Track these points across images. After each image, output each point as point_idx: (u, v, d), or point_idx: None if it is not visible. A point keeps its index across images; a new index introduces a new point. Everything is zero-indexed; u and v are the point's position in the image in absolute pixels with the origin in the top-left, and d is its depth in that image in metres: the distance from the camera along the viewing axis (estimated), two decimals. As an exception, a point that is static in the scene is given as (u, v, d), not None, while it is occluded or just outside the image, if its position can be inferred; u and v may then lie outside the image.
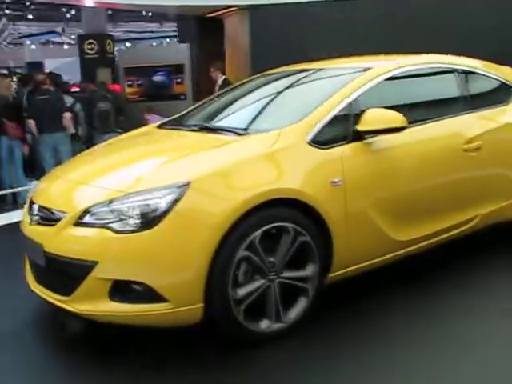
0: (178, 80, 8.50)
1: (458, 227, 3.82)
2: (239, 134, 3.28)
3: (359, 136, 3.24)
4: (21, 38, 27.84)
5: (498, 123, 4.04)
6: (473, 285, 3.68)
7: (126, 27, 27.64)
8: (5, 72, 8.22)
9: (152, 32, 28.67)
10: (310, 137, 3.10)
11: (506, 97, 4.27)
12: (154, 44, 28.63)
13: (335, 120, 3.24)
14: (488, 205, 3.98)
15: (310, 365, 2.78)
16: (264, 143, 3.08)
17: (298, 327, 3.00)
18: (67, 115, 7.18)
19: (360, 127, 3.21)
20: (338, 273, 3.19)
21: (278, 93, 3.87)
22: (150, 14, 23.67)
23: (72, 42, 26.16)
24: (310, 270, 3.02)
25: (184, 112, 4.26)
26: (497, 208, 4.03)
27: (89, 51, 15.21)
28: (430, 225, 3.62)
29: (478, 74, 4.17)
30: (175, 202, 2.70)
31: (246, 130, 3.35)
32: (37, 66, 20.96)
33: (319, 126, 3.15)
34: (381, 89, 3.52)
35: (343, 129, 3.26)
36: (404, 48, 4.71)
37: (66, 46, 27.80)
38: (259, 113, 3.63)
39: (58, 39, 28.53)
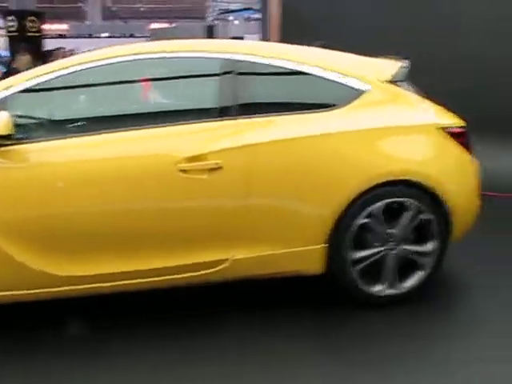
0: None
1: (187, 271, 2.89)
2: None
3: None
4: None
5: (275, 136, 2.93)
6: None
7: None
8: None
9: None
10: None
11: (335, 99, 3.10)
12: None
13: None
14: (249, 248, 2.95)
15: None
16: None
17: None
18: None
19: (-28, 130, 2.60)
20: None
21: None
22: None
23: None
24: None
25: None
26: (264, 255, 2.96)
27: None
28: (117, 263, 2.80)
29: (276, 68, 3.06)
30: None
31: None
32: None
33: None
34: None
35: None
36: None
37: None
38: None
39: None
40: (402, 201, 3.05)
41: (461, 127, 3.25)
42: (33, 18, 20.64)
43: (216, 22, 32.17)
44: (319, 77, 3.09)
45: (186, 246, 2.88)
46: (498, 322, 3.08)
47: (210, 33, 8.41)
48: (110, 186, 2.78)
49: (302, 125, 2.98)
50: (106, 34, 28.82)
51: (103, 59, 2.93)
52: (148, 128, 2.85)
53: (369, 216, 3.01)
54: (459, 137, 3.21)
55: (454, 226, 3.17)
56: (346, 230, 2.99)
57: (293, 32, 7.84)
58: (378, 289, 3.13)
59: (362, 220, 3.00)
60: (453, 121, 3.26)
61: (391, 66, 3.26)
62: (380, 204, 3.01)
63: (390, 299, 3.15)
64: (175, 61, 3.05)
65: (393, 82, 3.20)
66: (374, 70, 3.21)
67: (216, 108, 2.94)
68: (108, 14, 31.93)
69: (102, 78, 2.98)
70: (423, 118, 3.20)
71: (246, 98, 2.99)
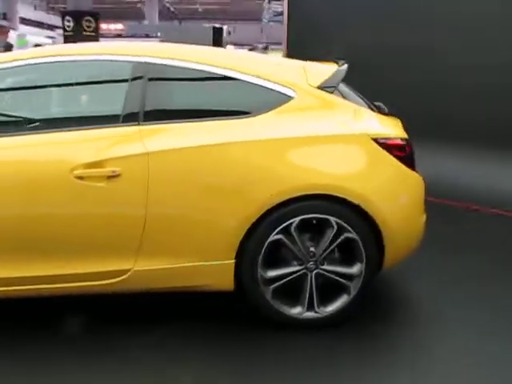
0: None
1: (86, 280, 2.74)
2: None
3: None
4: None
5: (179, 144, 2.74)
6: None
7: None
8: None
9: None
10: None
11: (256, 105, 2.87)
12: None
13: None
14: (152, 260, 2.77)
15: None
16: None
17: None
18: None
19: None
20: None
21: None
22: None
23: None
24: None
25: None
26: (168, 267, 2.77)
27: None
28: (12, 268, 2.69)
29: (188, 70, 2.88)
30: None
31: None
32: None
33: None
34: None
35: None
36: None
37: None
38: None
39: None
40: (322, 217, 2.80)
41: (400, 139, 2.96)
42: (89, 18, 21.40)
43: (271, 23, 32.21)
44: (241, 81, 2.88)
45: (84, 254, 2.73)
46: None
47: (219, 34, 8.31)
48: (9, 190, 2.69)
49: (211, 132, 2.78)
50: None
51: (7, 62, 2.86)
52: (49, 133, 2.75)
53: (283, 232, 2.78)
54: (397, 149, 2.92)
55: (387, 249, 2.89)
56: (256, 246, 2.77)
57: (297, 35, 7.68)
58: (296, 311, 2.89)
59: (274, 236, 2.77)
60: (391, 132, 2.97)
61: (324, 71, 3.01)
62: (296, 220, 2.77)
63: (310, 322, 2.91)
64: (85, 64, 2.92)
65: (325, 87, 2.96)
66: (304, 74, 2.96)
67: (120, 114, 2.78)
68: (166, 15, 32.50)
69: (4, 80, 2.91)
70: (352, 127, 2.91)
71: (156, 103, 2.83)
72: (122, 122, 2.77)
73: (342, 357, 2.74)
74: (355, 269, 2.87)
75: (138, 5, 31.59)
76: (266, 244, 2.77)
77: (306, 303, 2.88)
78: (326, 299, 2.91)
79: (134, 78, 2.83)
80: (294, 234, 2.79)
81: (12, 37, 27.41)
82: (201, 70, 2.88)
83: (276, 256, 2.84)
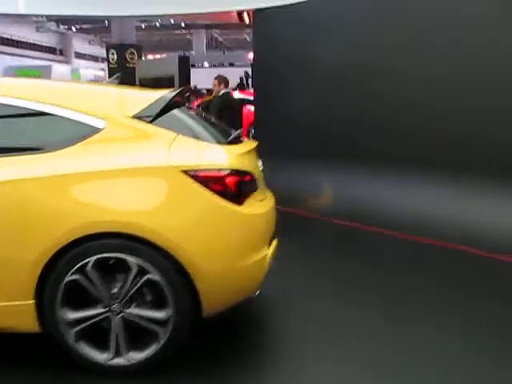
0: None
1: None
2: None
3: None
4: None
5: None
6: None
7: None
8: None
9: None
10: None
11: (58, 139, 2.72)
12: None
13: None
14: None
15: None
16: None
17: None
18: None
19: None
20: None
21: None
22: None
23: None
24: None
25: None
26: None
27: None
28: None
29: None
30: None
31: None
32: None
33: None
34: None
35: None
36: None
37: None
38: None
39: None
40: (118, 257, 2.62)
41: (224, 170, 2.72)
42: (132, 50, 22.19)
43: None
44: (42, 114, 2.77)
45: None
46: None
47: (185, 63, 8.40)
48: None
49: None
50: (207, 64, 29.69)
51: None
52: None
53: (80, 272, 2.62)
54: (215, 183, 2.69)
55: (202, 294, 2.66)
56: (53, 286, 2.63)
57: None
58: (102, 357, 2.71)
59: (71, 276, 2.62)
60: (210, 163, 2.73)
61: (144, 99, 2.86)
62: (91, 259, 2.60)
63: (117, 370, 2.71)
64: None
65: (143, 116, 2.78)
66: (119, 103, 2.83)
67: None
68: (214, 45, 33.12)
69: None
70: (159, 158, 2.69)
71: None
72: None
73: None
74: (162, 314, 2.66)
75: (187, 36, 32.41)
76: (64, 284, 2.63)
77: (112, 349, 2.69)
78: (137, 345, 2.71)
79: None
80: (91, 274, 2.63)
81: (66, 71, 28.94)
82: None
83: (82, 297, 2.69)
